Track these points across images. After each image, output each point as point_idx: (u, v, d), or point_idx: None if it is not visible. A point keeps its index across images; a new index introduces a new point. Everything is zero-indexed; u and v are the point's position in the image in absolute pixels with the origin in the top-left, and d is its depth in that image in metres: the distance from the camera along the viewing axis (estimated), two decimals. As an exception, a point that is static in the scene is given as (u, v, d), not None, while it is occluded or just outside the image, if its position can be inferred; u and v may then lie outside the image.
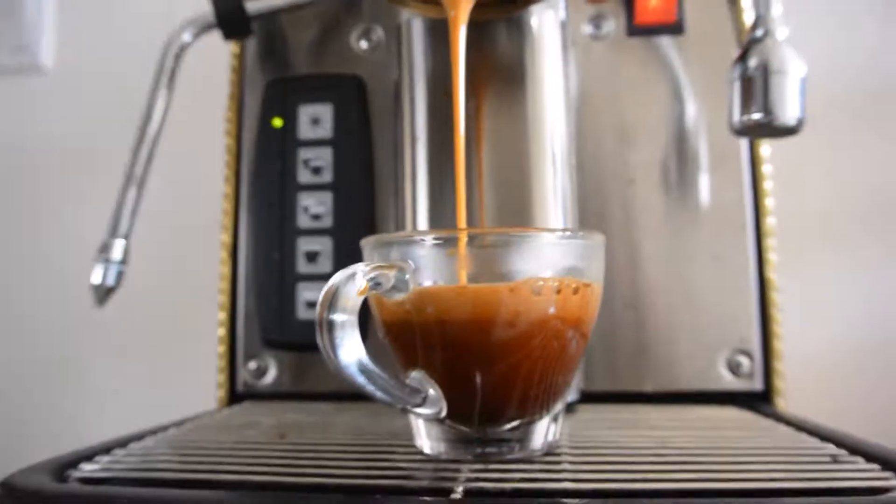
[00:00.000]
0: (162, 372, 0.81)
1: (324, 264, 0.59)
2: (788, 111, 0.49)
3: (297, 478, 0.34)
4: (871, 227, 0.72)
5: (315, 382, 0.60)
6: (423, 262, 0.35)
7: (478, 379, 0.35)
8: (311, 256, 0.59)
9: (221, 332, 0.61)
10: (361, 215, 0.60)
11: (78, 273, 0.59)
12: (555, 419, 0.38)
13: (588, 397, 0.55)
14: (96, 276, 0.55)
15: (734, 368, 0.57)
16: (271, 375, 0.60)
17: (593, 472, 0.34)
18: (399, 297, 0.34)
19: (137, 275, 0.65)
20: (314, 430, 0.45)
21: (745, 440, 0.42)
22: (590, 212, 0.59)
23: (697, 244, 0.59)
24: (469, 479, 0.33)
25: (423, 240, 0.35)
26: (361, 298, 0.32)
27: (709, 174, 0.60)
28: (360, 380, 0.32)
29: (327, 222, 0.59)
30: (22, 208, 0.86)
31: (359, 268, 0.33)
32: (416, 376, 0.36)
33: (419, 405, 0.35)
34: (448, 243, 0.35)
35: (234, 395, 0.61)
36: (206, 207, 0.70)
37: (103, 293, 0.55)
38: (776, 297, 0.58)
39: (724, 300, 0.58)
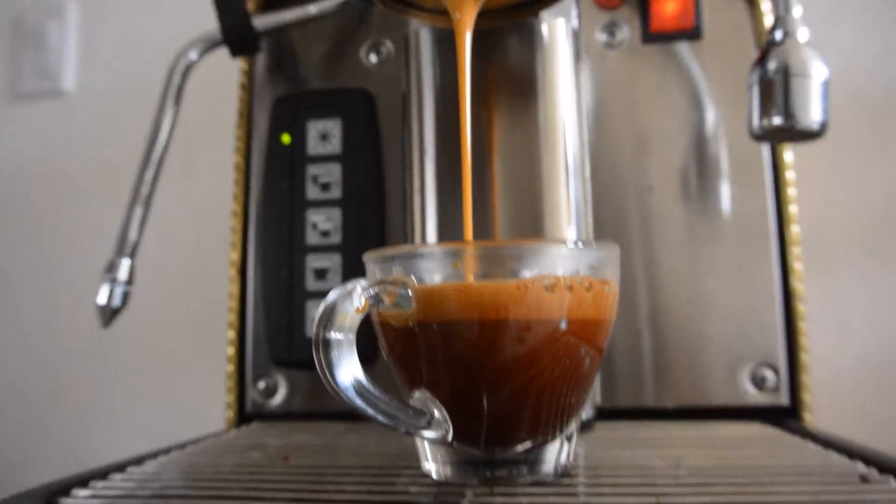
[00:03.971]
0: (175, 390, 0.80)
1: (333, 281, 0.58)
2: (811, 115, 0.47)
3: (296, 503, 0.32)
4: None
5: (325, 402, 0.58)
6: (426, 277, 0.33)
7: (485, 397, 0.33)
8: (320, 273, 0.58)
9: (230, 350, 0.60)
10: (371, 231, 0.58)
11: (94, 292, 0.58)
12: (568, 439, 0.36)
13: (606, 414, 0.53)
14: (102, 297, 0.54)
15: (759, 383, 0.55)
16: (281, 395, 0.59)
17: (608, 497, 0.32)
18: (401, 313, 0.33)
19: (149, 292, 0.64)
20: (320, 453, 0.44)
21: (769, 459, 0.40)
22: (607, 222, 0.57)
23: (719, 254, 0.57)
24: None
25: (426, 253, 0.34)
26: (360, 316, 0.31)
27: (730, 182, 0.58)
28: (359, 402, 0.31)
29: (336, 239, 0.58)
30: (41, 227, 0.87)
31: (358, 284, 0.32)
32: (419, 396, 0.34)
33: (423, 428, 0.33)
34: (452, 256, 0.33)
35: (243, 416, 0.59)
36: (216, 224, 0.69)
37: (109, 314, 0.54)
38: (802, 309, 0.56)
39: (748, 312, 0.56)
